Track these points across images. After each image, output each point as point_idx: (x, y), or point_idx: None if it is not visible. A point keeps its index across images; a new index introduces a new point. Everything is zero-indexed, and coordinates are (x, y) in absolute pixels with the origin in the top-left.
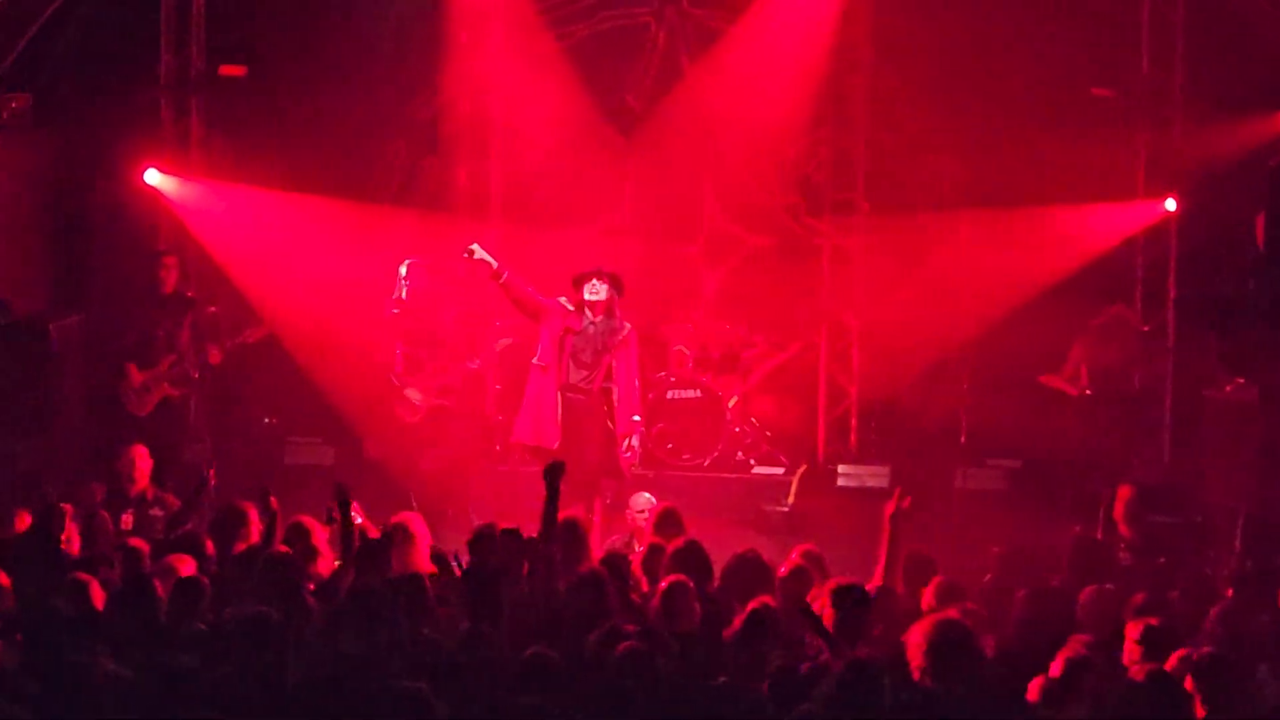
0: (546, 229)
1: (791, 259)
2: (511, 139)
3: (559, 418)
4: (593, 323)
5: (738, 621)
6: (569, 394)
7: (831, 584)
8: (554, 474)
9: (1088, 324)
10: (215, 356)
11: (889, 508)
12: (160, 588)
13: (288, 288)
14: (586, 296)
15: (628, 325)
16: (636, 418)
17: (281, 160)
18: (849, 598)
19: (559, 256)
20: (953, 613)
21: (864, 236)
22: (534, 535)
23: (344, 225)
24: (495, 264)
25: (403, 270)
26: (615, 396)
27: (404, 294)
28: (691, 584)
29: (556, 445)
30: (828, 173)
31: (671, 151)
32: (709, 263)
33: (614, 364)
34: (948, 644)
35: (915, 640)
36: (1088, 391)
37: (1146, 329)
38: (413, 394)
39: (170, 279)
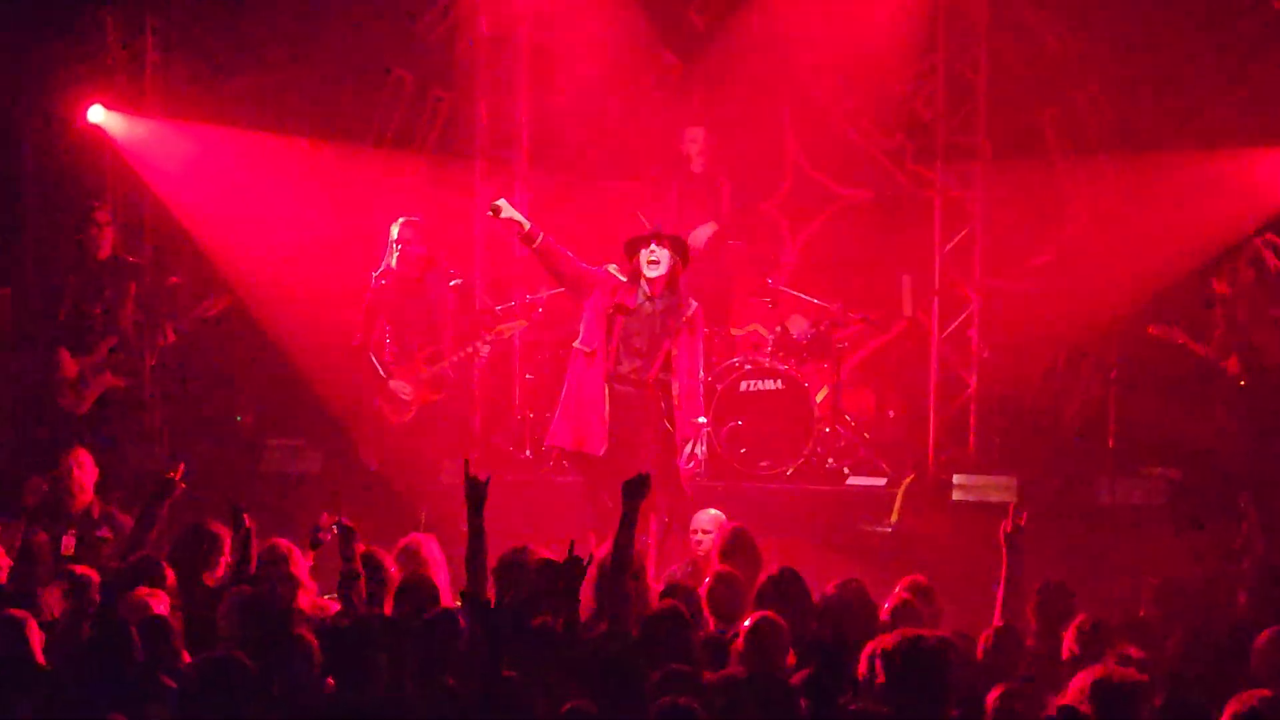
0: (587, 180)
1: (894, 216)
2: (544, 66)
3: (605, 416)
4: (650, 299)
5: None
6: (618, 386)
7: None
8: (635, 492)
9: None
10: (169, 337)
11: (1005, 527)
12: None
13: (262, 252)
14: (644, 266)
15: (693, 303)
16: (701, 419)
17: (255, 94)
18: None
19: (603, 214)
20: (1109, 665)
21: (986, 188)
22: (573, 559)
23: (333, 175)
24: (527, 224)
25: (394, 231)
26: (675, 391)
27: (394, 261)
28: (785, 623)
29: (603, 451)
30: (940, 108)
31: (743, 82)
32: (791, 222)
33: (674, 351)
34: (1116, 705)
35: (1076, 698)
36: (1242, 383)
37: None
38: (400, 387)
39: (105, 241)
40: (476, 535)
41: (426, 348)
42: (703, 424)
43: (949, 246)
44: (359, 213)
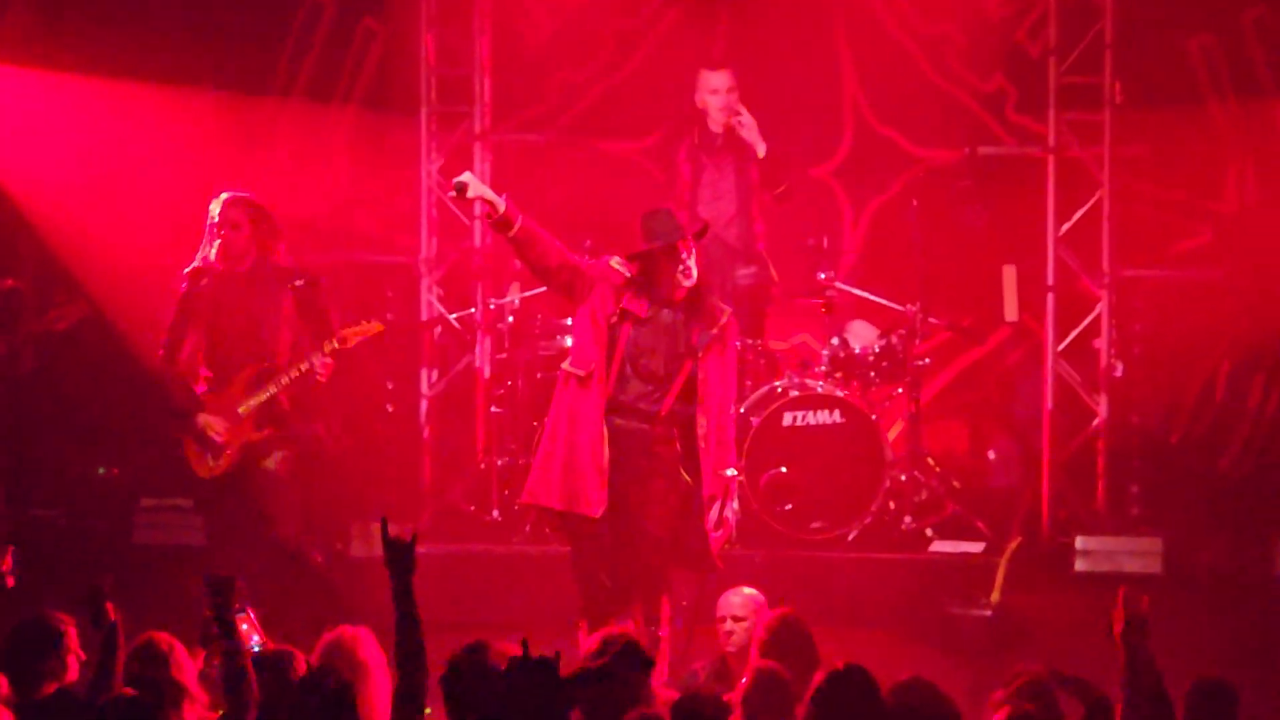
0: (569, 141)
1: (992, 185)
2: None
3: (605, 462)
4: (670, 304)
5: None
6: (619, 420)
7: None
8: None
9: None
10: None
11: (1117, 622)
12: None
13: (129, 245)
14: (676, 279)
15: (726, 309)
16: (732, 471)
17: (121, 31)
18: None
19: (591, 187)
20: None
21: (1115, 145)
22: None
23: (224, 137)
24: (502, 204)
25: (214, 212)
26: (701, 431)
27: (213, 252)
28: None
29: (600, 511)
30: (1053, 39)
31: (783, 5)
32: (852, 195)
33: (701, 375)
34: None
35: None
36: None
37: None
38: (210, 423)
39: None
40: (407, 622)
41: (248, 367)
42: (734, 476)
43: (1067, 226)
44: (260, 188)
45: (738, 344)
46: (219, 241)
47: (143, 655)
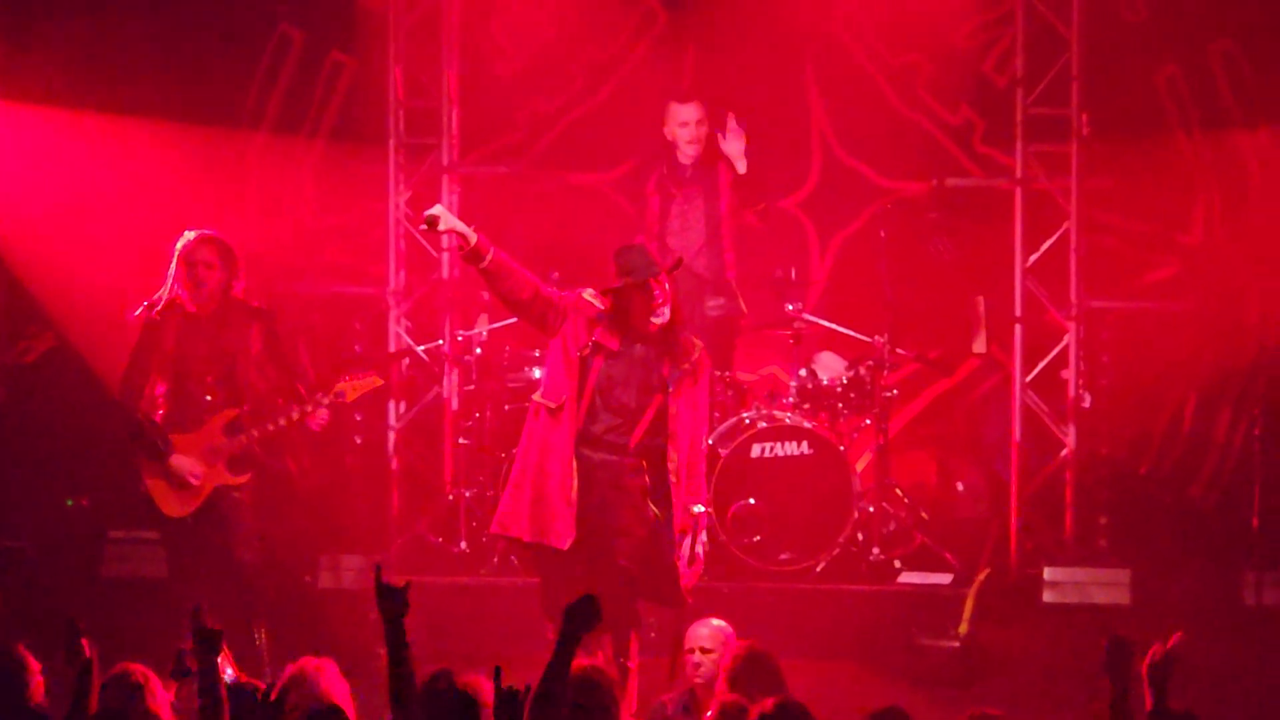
0: (539, 173)
1: (959, 216)
2: (481, 19)
3: (573, 494)
4: (641, 338)
5: None
6: (589, 453)
7: None
8: (579, 620)
9: None
10: None
11: (1151, 656)
12: None
13: (97, 276)
14: (650, 315)
15: (698, 344)
16: (699, 508)
17: (89, 64)
18: None
19: (563, 219)
20: None
21: (1083, 177)
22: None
23: (195, 168)
24: (473, 236)
25: (184, 249)
26: (672, 465)
27: (184, 293)
28: None
29: (569, 543)
30: (1020, 71)
31: (752, 38)
32: (819, 226)
33: (673, 409)
34: None
35: None
36: None
37: None
38: (185, 465)
39: None
40: (399, 663)
41: (225, 410)
42: (703, 514)
43: (1034, 257)
44: (229, 220)
45: (710, 378)
46: (193, 282)
47: (117, 686)
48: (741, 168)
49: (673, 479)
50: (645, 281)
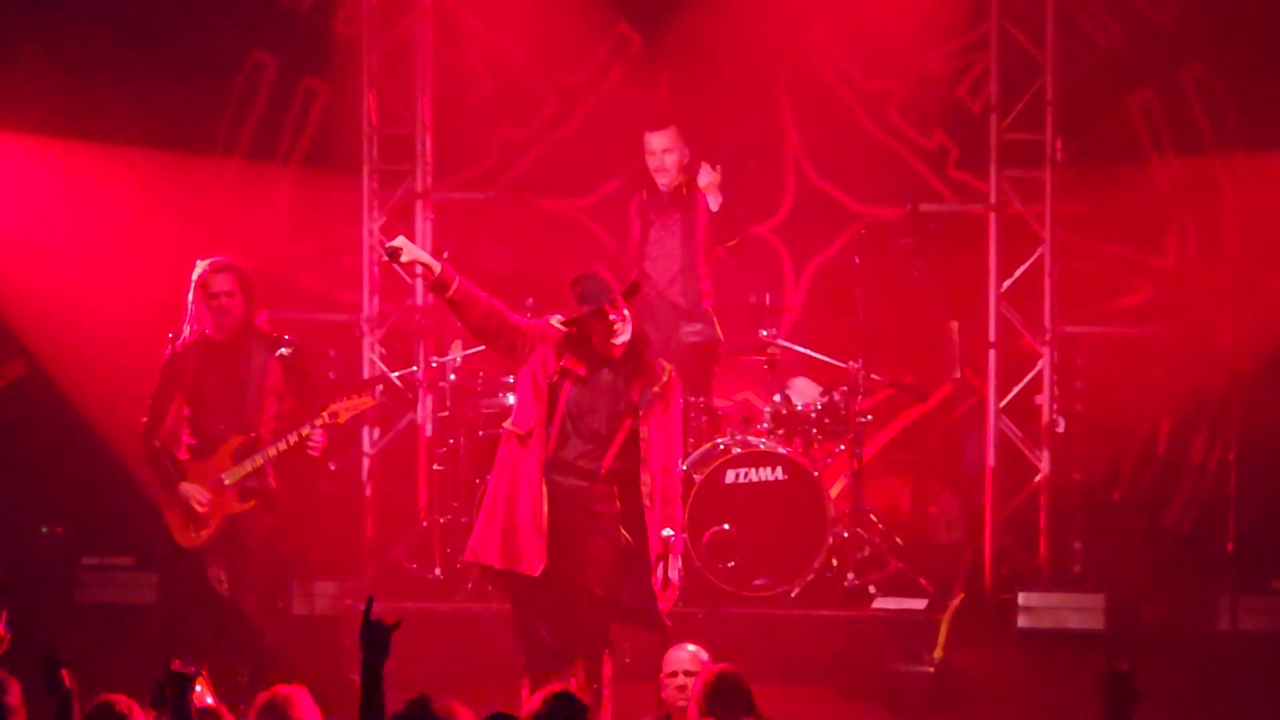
0: (513, 199)
1: (933, 241)
2: (454, 46)
3: (544, 521)
4: (608, 362)
5: None
6: (559, 478)
7: None
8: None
9: None
10: None
11: (1101, 671)
12: None
13: (72, 301)
14: (608, 338)
15: (668, 367)
16: (668, 532)
17: (61, 86)
18: None
19: (536, 246)
20: None
21: (1057, 202)
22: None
23: (168, 194)
24: (437, 267)
25: (203, 278)
26: (646, 489)
27: (189, 328)
28: None
29: (540, 570)
30: (994, 96)
31: (726, 63)
32: (793, 251)
33: (644, 433)
34: None
35: None
36: None
37: None
38: (192, 493)
39: None
40: (372, 700)
41: (233, 438)
42: (675, 538)
43: (1009, 282)
44: (201, 245)
45: (682, 401)
46: (216, 311)
47: (100, 718)
48: (715, 205)
49: (647, 503)
50: (601, 307)
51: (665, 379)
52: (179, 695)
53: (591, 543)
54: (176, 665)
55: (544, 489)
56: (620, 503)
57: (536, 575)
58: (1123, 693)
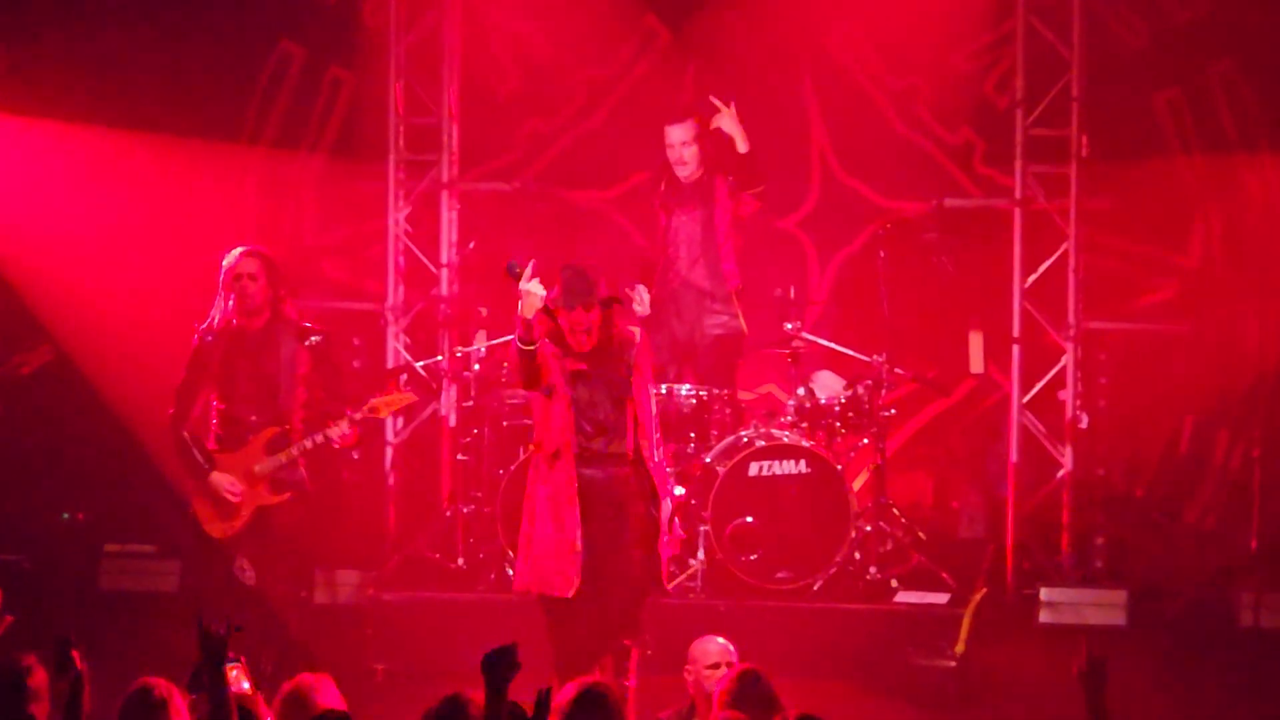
0: (541, 191)
1: (958, 237)
2: (480, 38)
3: (578, 542)
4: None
5: None
6: (591, 473)
7: None
8: (497, 670)
9: None
10: None
11: (1078, 665)
12: None
13: (97, 288)
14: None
15: (635, 331)
16: (680, 490)
17: (90, 73)
18: None
19: (562, 237)
20: None
21: (1082, 198)
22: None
23: (194, 182)
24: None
25: (228, 265)
26: (646, 454)
27: (231, 306)
28: None
29: (572, 592)
30: (1020, 92)
31: (752, 57)
32: (818, 245)
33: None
34: None
35: None
36: None
37: None
38: (224, 482)
39: None
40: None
41: (266, 429)
42: (678, 494)
43: (1033, 278)
44: (226, 234)
45: (654, 359)
46: (235, 293)
47: (139, 703)
48: (743, 147)
49: (650, 465)
50: (575, 306)
51: (634, 347)
52: (214, 658)
53: (624, 525)
54: (211, 627)
55: (578, 506)
56: (639, 481)
57: (570, 597)
58: (1099, 679)
